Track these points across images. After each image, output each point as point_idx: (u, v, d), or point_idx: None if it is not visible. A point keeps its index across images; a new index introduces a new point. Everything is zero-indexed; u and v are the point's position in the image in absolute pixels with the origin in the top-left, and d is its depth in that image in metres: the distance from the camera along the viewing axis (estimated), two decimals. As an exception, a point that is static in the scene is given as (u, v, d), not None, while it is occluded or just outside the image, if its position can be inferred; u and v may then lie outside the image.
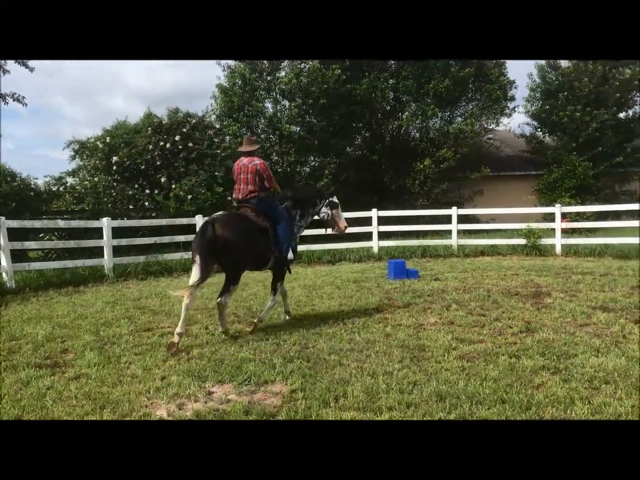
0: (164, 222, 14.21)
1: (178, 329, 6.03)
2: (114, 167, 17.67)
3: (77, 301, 9.14)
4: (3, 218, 10.47)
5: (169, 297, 9.28)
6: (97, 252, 13.24)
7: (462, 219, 16.41)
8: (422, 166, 22.22)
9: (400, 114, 23.99)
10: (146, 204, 17.48)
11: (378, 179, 23.31)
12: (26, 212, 14.65)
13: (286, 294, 7.41)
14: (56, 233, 15.38)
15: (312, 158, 23.10)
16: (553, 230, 14.99)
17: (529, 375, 4.82)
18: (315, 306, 8.19)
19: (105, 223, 12.16)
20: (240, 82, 21.53)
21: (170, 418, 4.18)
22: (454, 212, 15.19)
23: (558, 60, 24.81)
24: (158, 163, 18.10)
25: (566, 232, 17.34)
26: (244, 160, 7.00)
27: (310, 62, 21.07)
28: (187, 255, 13.17)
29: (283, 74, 21.84)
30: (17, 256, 12.18)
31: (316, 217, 7.63)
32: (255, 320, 6.84)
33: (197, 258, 6.15)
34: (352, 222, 19.75)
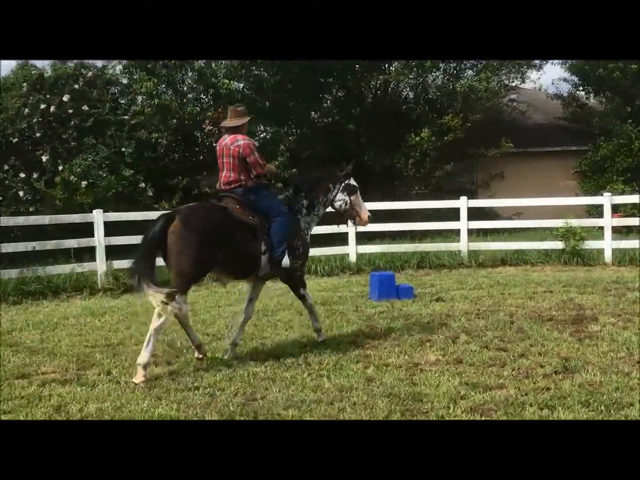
0: (46, 219, 14.03)
1: (141, 358, 6.65)
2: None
3: None
4: None
5: (54, 329, 9.15)
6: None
7: (474, 213, 16.63)
8: (418, 139, 22.45)
9: (387, 66, 24.19)
10: (20, 193, 17.18)
11: (355, 157, 23.44)
12: None
13: (312, 307, 8.08)
14: None
15: (261, 127, 23.10)
16: (601, 229, 15.30)
17: (567, 434, 4.91)
18: (267, 339, 8.20)
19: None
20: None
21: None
22: (463, 203, 15.40)
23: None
24: (38, 135, 17.84)
25: (619, 232, 17.71)
26: (227, 139, 7.45)
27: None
28: (82, 268, 12.99)
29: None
30: None
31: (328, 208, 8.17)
32: (319, 339, 7.90)
33: (137, 262, 6.82)
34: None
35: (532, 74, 28.92)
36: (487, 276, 13.31)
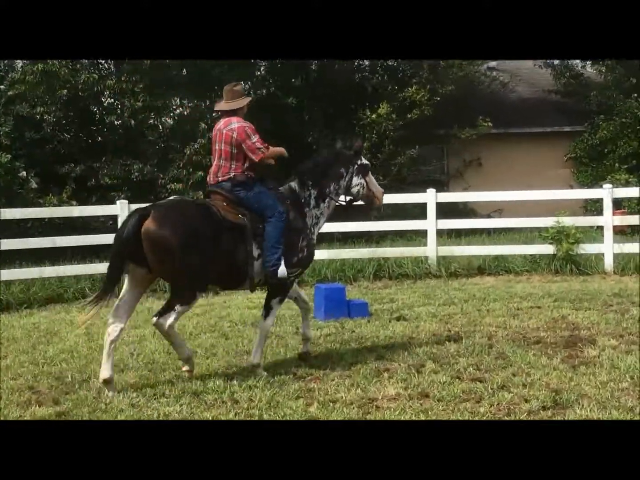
0: None
1: (102, 373, 7.27)
2: None
3: None
4: None
5: None
6: None
7: (445, 210, 16.80)
8: (374, 116, 22.56)
9: (335, 24, 24.30)
10: None
11: (296, 138, 23.40)
12: None
13: (308, 311, 8.67)
14: None
15: (177, 101, 22.90)
16: (600, 229, 15.59)
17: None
18: (183, 370, 8.12)
19: None
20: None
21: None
22: (430, 198, 15.55)
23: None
24: None
25: (622, 233, 18.04)
26: (220, 122, 7.95)
27: None
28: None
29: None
30: None
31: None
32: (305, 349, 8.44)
33: (109, 265, 7.51)
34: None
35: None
36: (461, 288, 13.44)
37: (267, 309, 8.12)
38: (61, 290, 13.64)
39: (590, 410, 6.32)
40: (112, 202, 15.77)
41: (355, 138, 8.70)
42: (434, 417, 6.30)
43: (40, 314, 12.35)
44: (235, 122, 7.83)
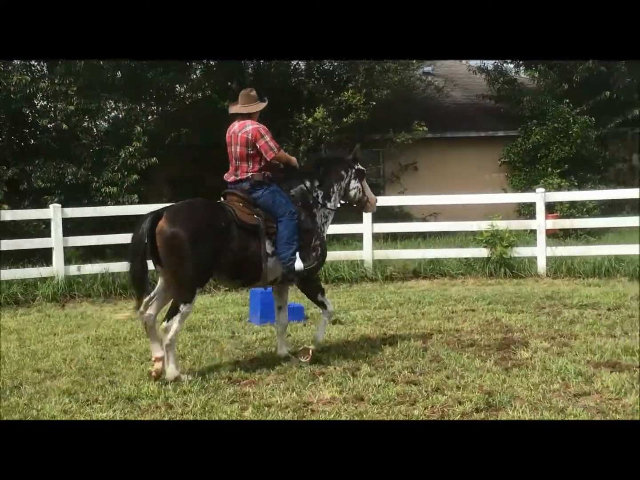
0: None
1: (156, 353, 7.81)
2: None
3: None
4: None
5: None
6: None
7: (381, 213, 16.82)
8: (310, 120, 22.56)
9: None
10: None
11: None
12: None
13: (328, 319, 9.03)
14: None
15: (112, 103, 22.67)
16: (533, 232, 15.80)
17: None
18: (117, 375, 8.08)
19: None
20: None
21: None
22: (366, 202, 15.56)
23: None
24: None
25: (555, 236, 18.35)
26: (236, 125, 8.39)
27: None
28: None
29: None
30: None
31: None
32: (310, 347, 8.55)
33: (130, 267, 7.92)
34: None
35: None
36: (396, 292, 13.52)
37: (320, 305, 8.83)
38: (-8, 296, 13.41)
39: (522, 412, 6.42)
40: (45, 206, 15.52)
41: (354, 148, 9.18)
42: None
43: (-30, 319, 12.15)
44: (250, 125, 8.28)
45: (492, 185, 24.99)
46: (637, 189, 16.95)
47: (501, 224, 15.45)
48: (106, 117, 22.44)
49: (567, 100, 25.37)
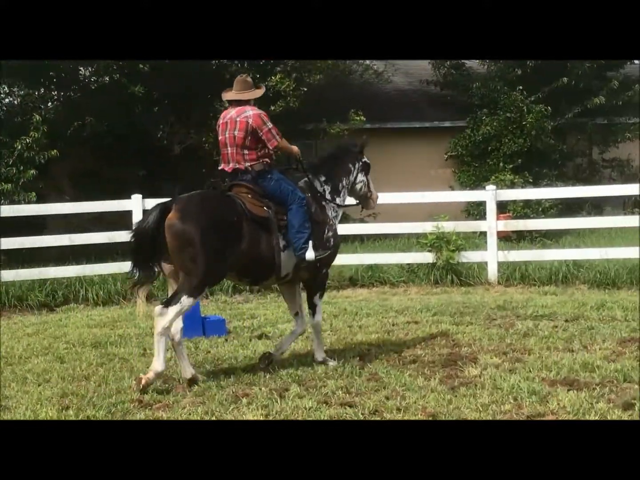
0: None
1: (155, 366, 8.11)
2: None
3: None
4: None
5: None
6: None
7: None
8: (234, 109, 22.50)
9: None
10: None
11: (146, 134, 23.20)
12: None
13: (319, 328, 9.37)
14: None
15: (5, 89, 22.34)
16: (483, 235, 15.94)
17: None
18: (11, 399, 7.94)
19: None
20: None
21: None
22: (296, 200, 15.56)
23: None
24: None
25: (507, 239, 18.55)
26: (232, 112, 8.82)
27: None
28: None
29: None
30: None
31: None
32: (271, 351, 9.09)
33: (133, 261, 8.42)
34: (90, 222, 19.45)
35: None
36: (330, 302, 13.53)
37: (312, 307, 9.20)
38: None
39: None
40: None
41: (362, 139, 9.90)
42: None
43: None
44: (250, 110, 8.74)
45: (437, 181, 25.10)
46: (600, 187, 17.30)
47: (448, 226, 15.55)
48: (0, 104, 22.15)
49: (521, 87, 25.55)
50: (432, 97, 28.41)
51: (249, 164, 8.67)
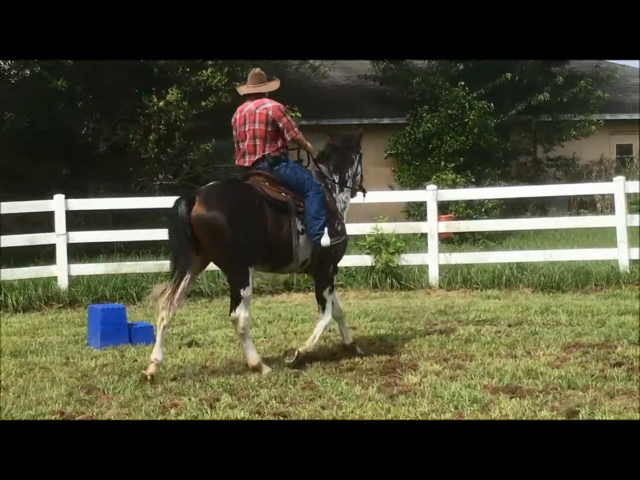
0: None
1: (154, 355, 8.72)
2: None
3: None
4: None
5: None
6: None
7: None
8: (162, 104, 22.35)
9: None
10: None
11: (69, 131, 22.98)
12: None
13: (343, 314, 10.02)
14: None
15: None
16: (424, 236, 16.02)
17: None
18: None
19: None
20: None
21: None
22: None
23: None
24: None
25: (449, 241, 18.67)
26: (250, 104, 9.31)
27: None
28: None
29: None
30: None
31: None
32: (299, 348, 9.42)
33: (172, 251, 9.01)
34: (11, 223, 19.25)
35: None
36: (265, 307, 13.54)
37: (321, 303, 9.61)
38: None
39: (409, 446, 6.49)
40: None
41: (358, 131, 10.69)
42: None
43: None
44: (268, 102, 9.26)
45: (376, 181, 25.02)
46: (544, 187, 17.46)
47: (387, 227, 15.64)
48: None
49: (463, 83, 25.78)
50: (370, 93, 28.53)
51: (267, 152, 9.15)
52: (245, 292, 8.70)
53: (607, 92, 28.09)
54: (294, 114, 24.26)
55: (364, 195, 10.61)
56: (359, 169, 10.39)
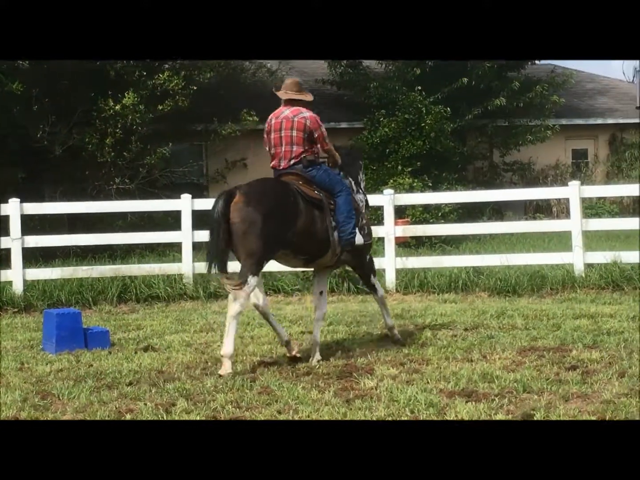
0: None
1: (225, 349, 9.12)
2: None
3: None
4: None
5: None
6: None
7: (204, 218, 16.80)
8: (118, 107, 22.29)
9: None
10: None
11: (25, 134, 22.85)
12: None
13: (384, 300, 10.70)
14: None
15: None
16: (380, 240, 16.08)
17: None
18: None
19: None
20: None
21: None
22: (186, 205, 15.60)
23: None
24: None
25: (405, 245, 18.72)
26: (286, 111, 9.81)
27: None
28: None
29: None
30: None
31: None
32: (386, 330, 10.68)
33: (211, 246, 9.38)
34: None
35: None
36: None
37: (372, 288, 10.59)
38: None
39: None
40: None
41: (352, 145, 10.98)
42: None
43: None
44: (306, 112, 9.76)
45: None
46: (501, 191, 17.56)
47: (344, 232, 15.61)
48: None
49: (420, 88, 25.80)
50: (328, 97, 28.53)
51: (304, 155, 9.64)
52: (253, 280, 9.13)
53: (562, 97, 28.29)
54: (250, 118, 24.34)
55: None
56: (363, 177, 11.05)
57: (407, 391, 8.02)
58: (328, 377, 8.83)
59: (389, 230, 15.59)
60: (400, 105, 25.66)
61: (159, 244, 18.27)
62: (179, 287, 15.08)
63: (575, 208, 15.28)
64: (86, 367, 9.68)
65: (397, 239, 15.77)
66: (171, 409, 7.72)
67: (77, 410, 7.82)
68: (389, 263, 15.42)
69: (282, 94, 9.99)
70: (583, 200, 15.98)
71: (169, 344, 10.87)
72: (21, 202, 15.20)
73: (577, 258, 15.03)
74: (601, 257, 15.33)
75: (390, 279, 15.30)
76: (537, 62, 28.92)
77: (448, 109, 25.37)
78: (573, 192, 15.44)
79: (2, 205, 15.29)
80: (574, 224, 15.33)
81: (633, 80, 35.40)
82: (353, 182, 10.44)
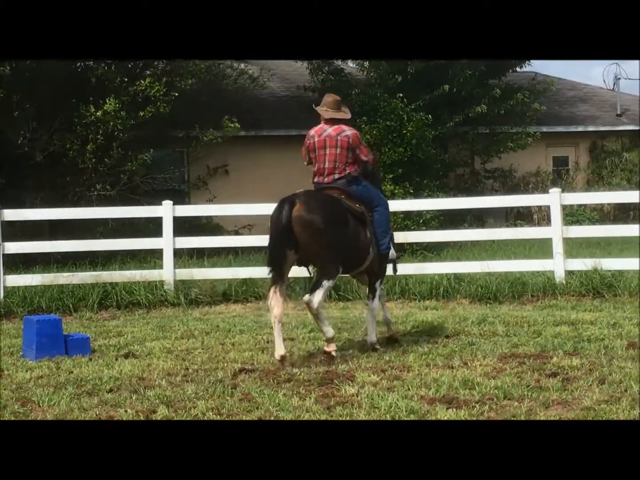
0: None
1: (278, 351, 9.56)
2: None
3: None
4: None
5: None
6: None
7: (185, 225, 16.83)
8: (99, 114, 22.23)
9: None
10: None
11: (5, 140, 22.73)
12: None
13: (375, 312, 10.87)
14: None
15: None
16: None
17: None
18: None
19: None
20: None
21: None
22: (166, 211, 15.57)
23: None
24: None
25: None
26: (328, 129, 10.27)
27: None
28: None
29: None
30: None
31: None
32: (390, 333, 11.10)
33: (271, 251, 9.95)
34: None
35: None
36: (202, 318, 13.51)
37: (372, 292, 10.75)
38: None
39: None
40: None
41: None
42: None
43: None
44: (348, 130, 10.28)
45: (316, 192, 25.12)
46: (482, 198, 17.61)
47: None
48: None
49: (401, 95, 25.74)
50: (309, 104, 28.19)
51: (348, 171, 10.17)
52: (328, 283, 9.76)
53: (543, 104, 28.38)
54: (232, 125, 24.31)
55: None
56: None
57: (388, 398, 8.02)
58: (309, 384, 8.81)
59: (370, 237, 15.55)
60: (382, 112, 25.60)
61: (140, 251, 18.21)
62: (160, 293, 15.04)
63: (556, 215, 15.32)
64: (66, 373, 9.64)
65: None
66: (151, 416, 7.72)
67: (57, 417, 7.79)
68: (370, 270, 15.39)
69: (323, 112, 10.39)
70: (564, 207, 16.02)
71: (150, 351, 10.83)
72: (1, 208, 15.14)
73: (557, 265, 15.09)
74: (582, 264, 15.37)
75: (372, 285, 15.28)
76: (518, 69, 29.01)
77: (429, 116, 25.36)
78: (554, 199, 15.48)
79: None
80: (555, 231, 15.38)
81: (614, 88, 35.45)
82: None
